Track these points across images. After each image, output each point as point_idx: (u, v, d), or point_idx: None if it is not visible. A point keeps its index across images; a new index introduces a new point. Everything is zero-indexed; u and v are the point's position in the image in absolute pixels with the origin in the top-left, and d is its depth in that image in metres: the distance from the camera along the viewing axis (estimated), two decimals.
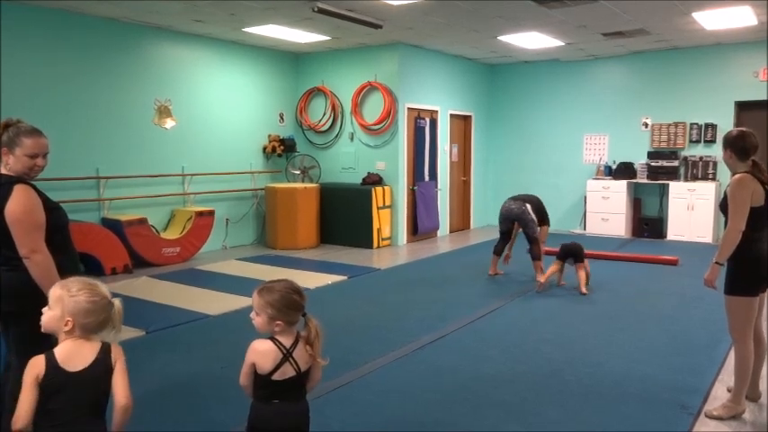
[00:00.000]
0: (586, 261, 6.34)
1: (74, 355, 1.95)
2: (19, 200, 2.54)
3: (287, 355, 2.14)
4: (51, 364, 1.92)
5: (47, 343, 2.04)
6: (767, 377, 3.66)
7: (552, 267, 6.35)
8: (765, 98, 8.80)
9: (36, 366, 1.91)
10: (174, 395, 3.67)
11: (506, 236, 6.97)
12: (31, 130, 2.67)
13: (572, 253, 6.31)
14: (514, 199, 6.84)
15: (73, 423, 1.92)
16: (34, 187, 2.63)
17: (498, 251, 7.02)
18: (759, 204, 3.17)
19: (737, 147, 3.25)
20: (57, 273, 2.53)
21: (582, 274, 6.20)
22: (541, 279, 6.37)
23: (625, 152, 10.01)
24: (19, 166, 2.62)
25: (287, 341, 2.16)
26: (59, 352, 1.95)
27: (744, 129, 3.34)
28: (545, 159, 10.82)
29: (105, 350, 2.00)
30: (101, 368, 1.96)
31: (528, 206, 6.71)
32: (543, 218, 6.83)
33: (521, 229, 6.88)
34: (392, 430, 3.21)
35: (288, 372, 2.15)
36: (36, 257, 2.53)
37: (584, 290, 6.10)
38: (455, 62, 10.27)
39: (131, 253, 7.18)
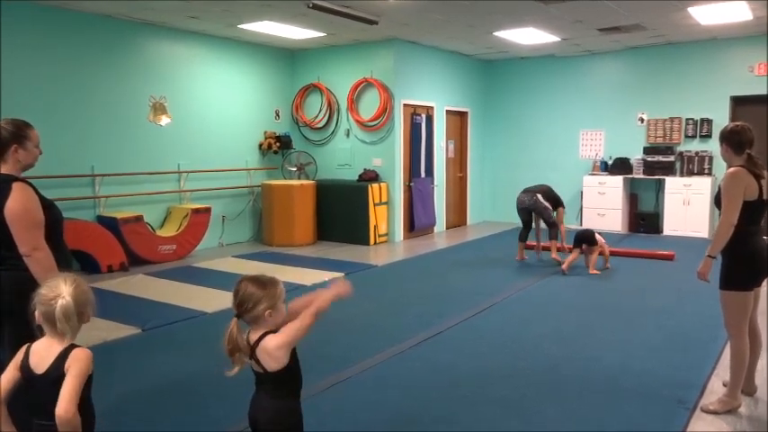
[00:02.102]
0: (605, 246, 7.00)
1: (42, 355, 1.94)
2: (18, 198, 2.54)
3: (251, 351, 2.09)
4: (24, 359, 1.95)
5: None
6: (765, 371, 3.68)
7: (572, 255, 6.96)
8: (760, 93, 8.82)
9: (20, 353, 1.97)
10: (171, 393, 3.67)
11: (527, 224, 7.54)
12: (26, 122, 2.71)
13: (585, 239, 6.95)
14: (525, 191, 7.45)
15: (29, 422, 1.94)
16: (31, 185, 2.64)
17: (523, 238, 7.60)
18: (753, 198, 3.17)
19: (733, 141, 3.27)
20: (57, 270, 2.53)
21: (593, 257, 6.88)
22: (557, 257, 7.23)
23: (621, 148, 10.02)
24: (31, 158, 2.69)
25: (253, 335, 2.10)
26: (33, 349, 1.96)
27: (739, 123, 3.35)
28: (541, 155, 10.82)
29: (64, 354, 1.91)
30: (54, 374, 1.89)
31: (538, 195, 7.29)
32: (557, 202, 7.44)
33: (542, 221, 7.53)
34: (390, 428, 3.21)
35: (254, 364, 2.12)
36: (37, 255, 2.53)
37: (591, 270, 6.82)
38: (451, 58, 10.26)
39: (127, 251, 7.17)
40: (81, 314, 1.95)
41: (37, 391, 1.92)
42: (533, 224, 7.60)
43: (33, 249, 2.53)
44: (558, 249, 7.39)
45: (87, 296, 1.98)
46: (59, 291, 1.92)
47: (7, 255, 2.56)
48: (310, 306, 2.10)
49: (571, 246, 7.12)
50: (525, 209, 7.40)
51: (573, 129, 10.52)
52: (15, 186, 2.56)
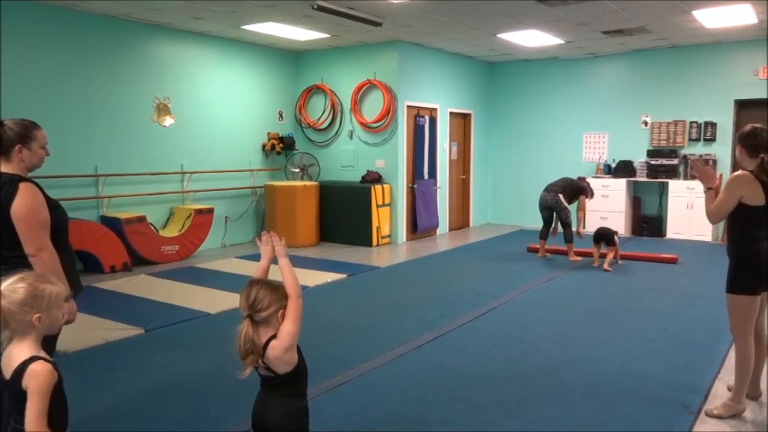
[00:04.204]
0: (617, 244, 7.28)
1: (7, 360, 1.85)
2: (25, 198, 2.54)
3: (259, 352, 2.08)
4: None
5: (45, 344, 2.03)
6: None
7: (593, 251, 7.36)
8: (765, 96, 8.80)
9: None
10: (174, 393, 3.66)
11: (548, 221, 7.85)
12: (33, 122, 2.71)
13: (604, 237, 7.25)
14: (548, 190, 7.76)
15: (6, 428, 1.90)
16: (38, 185, 2.64)
17: (543, 235, 7.88)
18: (758, 204, 3.14)
19: (748, 144, 3.22)
20: (62, 270, 2.54)
21: (610, 255, 7.19)
22: (573, 258, 7.62)
23: (625, 150, 10.01)
24: (36, 159, 2.68)
25: (262, 338, 2.09)
26: (5, 353, 1.87)
27: (757, 125, 3.27)
28: (544, 157, 10.80)
29: (22, 368, 1.79)
30: (14, 386, 1.80)
31: (560, 196, 7.62)
32: (579, 191, 7.74)
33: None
34: (391, 429, 3.21)
35: (262, 369, 2.12)
36: (43, 255, 2.53)
37: (606, 267, 7.10)
38: (454, 60, 10.26)
39: (130, 251, 7.17)
40: (8, 312, 1.82)
41: (4, 396, 1.87)
42: (554, 220, 7.87)
43: (38, 249, 2.53)
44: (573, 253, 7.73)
45: (17, 294, 1.83)
46: None
47: (11, 254, 2.56)
48: (289, 291, 2.11)
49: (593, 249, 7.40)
50: (548, 207, 7.71)
51: (576, 131, 10.51)
52: (22, 186, 2.56)
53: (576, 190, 7.77)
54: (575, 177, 8.29)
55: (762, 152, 3.19)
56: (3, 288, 1.85)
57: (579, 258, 7.62)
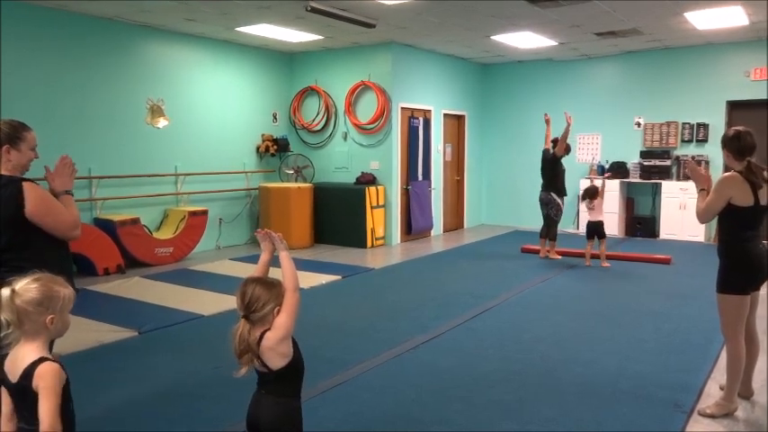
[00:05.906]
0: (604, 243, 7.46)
1: (13, 363, 1.85)
2: (34, 195, 2.55)
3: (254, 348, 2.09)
4: (1, 364, 1.90)
5: None
6: (762, 374, 3.69)
7: (586, 251, 7.50)
8: (756, 98, 8.86)
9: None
10: (168, 395, 3.65)
11: (548, 220, 7.95)
12: (22, 124, 2.70)
13: (595, 231, 7.38)
14: (543, 190, 7.91)
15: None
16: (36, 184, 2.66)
17: (544, 234, 7.97)
18: (747, 204, 3.17)
19: (733, 147, 3.25)
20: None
21: (602, 249, 7.40)
22: (556, 256, 7.83)
23: (618, 151, 10.05)
24: (24, 160, 2.67)
25: (255, 334, 2.09)
26: (10, 356, 1.87)
27: (741, 128, 3.29)
28: (538, 158, 10.77)
29: (31, 369, 1.80)
30: (23, 385, 1.81)
31: (552, 194, 7.80)
32: (558, 157, 7.88)
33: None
34: (387, 429, 3.21)
35: (258, 365, 2.12)
36: (78, 232, 2.71)
37: (603, 264, 7.34)
38: (448, 61, 10.28)
39: (124, 253, 7.15)
40: (24, 312, 1.82)
41: (12, 398, 1.87)
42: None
43: (75, 227, 2.69)
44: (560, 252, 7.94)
45: (32, 294, 1.84)
46: (12, 285, 1.86)
47: (10, 257, 2.54)
48: (286, 284, 2.14)
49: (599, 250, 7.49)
50: (545, 205, 7.87)
51: (570, 132, 10.52)
52: (26, 186, 2.55)
53: (558, 163, 7.86)
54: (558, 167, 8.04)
55: (747, 155, 3.22)
56: (17, 288, 1.85)
57: (559, 257, 7.82)
